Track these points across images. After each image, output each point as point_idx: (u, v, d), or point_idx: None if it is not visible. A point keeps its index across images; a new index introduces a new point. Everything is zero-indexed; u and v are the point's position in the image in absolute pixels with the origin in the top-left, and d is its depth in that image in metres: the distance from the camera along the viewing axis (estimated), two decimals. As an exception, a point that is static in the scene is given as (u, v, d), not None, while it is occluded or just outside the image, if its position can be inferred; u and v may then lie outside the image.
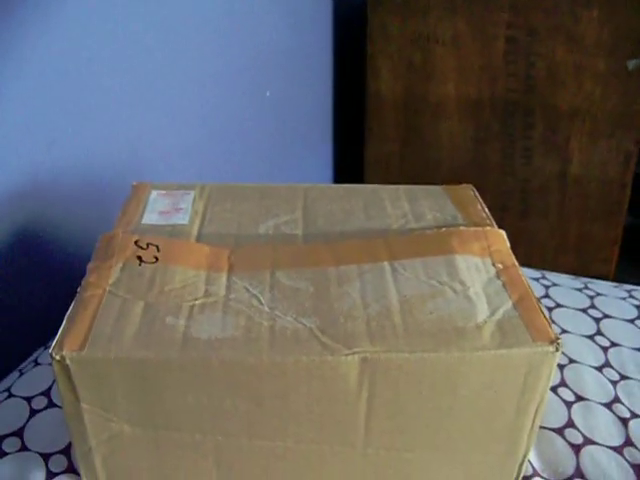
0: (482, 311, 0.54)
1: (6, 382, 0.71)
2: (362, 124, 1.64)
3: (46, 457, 0.60)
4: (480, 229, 0.63)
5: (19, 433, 0.62)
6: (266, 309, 0.54)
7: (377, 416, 0.53)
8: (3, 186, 0.81)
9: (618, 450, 0.63)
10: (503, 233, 0.63)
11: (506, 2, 1.40)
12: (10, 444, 0.61)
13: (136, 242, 0.61)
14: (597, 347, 0.74)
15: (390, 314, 0.53)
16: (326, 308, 0.54)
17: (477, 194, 0.71)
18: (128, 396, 0.52)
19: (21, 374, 0.71)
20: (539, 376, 0.52)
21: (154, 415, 0.53)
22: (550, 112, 1.46)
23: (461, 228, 0.64)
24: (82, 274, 0.58)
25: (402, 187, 0.73)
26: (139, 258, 0.60)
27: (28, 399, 0.66)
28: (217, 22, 1.16)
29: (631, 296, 0.84)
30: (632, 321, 0.79)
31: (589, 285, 0.86)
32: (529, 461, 0.61)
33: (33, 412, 0.65)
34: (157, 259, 0.59)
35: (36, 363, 0.72)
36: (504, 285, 0.57)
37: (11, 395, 0.67)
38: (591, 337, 0.76)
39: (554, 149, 1.49)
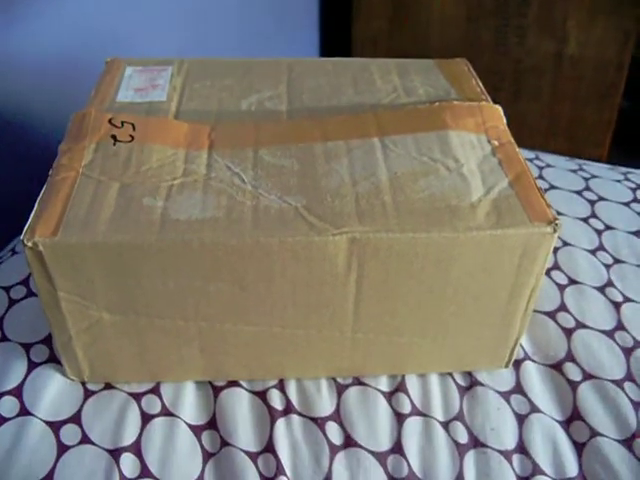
0: (477, 189, 0.51)
1: (-17, 271, 0.68)
2: (349, 1, 1.58)
3: (27, 347, 0.59)
4: (475, 104, 0.60)
5: (-2, 323, 0.61)
6: (249, 188, 0.51)
7: (366, 299, 0.51)
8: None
9: (609, 334, 0.62)
10: (499, 108, 0.60)
11: None
12: (-11, 334, 0.60)
13: (110, 120, 0.58)
14: (591, 230, 0.72)
15: (380, 192, 0.51)
16: (312, 186, 0.51)
17: (471, 68, 0.67)
18: (106, 283, 0.50)
19: (-1, 263, 0.69)
20: (535, 258, 0.50)
21: (134, 301, 0.51)
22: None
23: (454, 103, 0.60)
24: (54, 156, 0.55)
25: (392, 61, 0.69)
26: (113, 137, 0.56)
27: (6, 289, 0.64)
28: None
29: (627, 179, 0.82)
30: (627, 204, 0.77)
31: (584, 167, 0.83)
32: (520, 345, 0.60)
33: (12, 302, 0.63)
34: (133, 138, 0.56)
35: (13, 252, 0.70)
36: (500, 163, 0.54)
37: (-11, 284, 0.65)
38: (585, 220, 0.74)
39: (550, 28, 1.43)
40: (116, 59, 0.69)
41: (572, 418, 0.57)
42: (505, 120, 0.59)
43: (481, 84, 0.64)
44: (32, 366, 0.58)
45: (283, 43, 1.53)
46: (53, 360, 0.58)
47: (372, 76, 0.66)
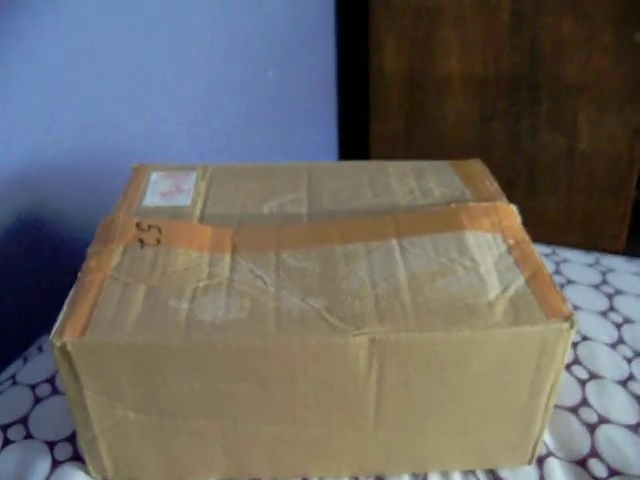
0: (494, 288, 0.52)
1: (10, 369, 0.70)
2: (366, 102, 1.62)
3: (51, 445, 0.59)
4: (490, 204, 0.62)
5: (24, 421, 0.62)
6: (271, 290, 0.53)
7: (387, 398, 0.52)
8: (3, 171, 0.80)
9: (634, 429, 0.62)
10: (514, 208, 0.62)
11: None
12: (15, 432, 0.61)
13: (137, 224, 0.60)
14: (610, 324, 0.73)
15: (399, 293, 0.52)
16: (333, 288, 0.53)
17: (486, 169, 0.69)
18: (132, 382, 0.51)
19: (25, 361, 0.70)
20: (554, 354, 0.51)
21: (159, 401, 0.52)
22: (556, 87, 1.43)
23: (470, 204, 0.62)
24: (84, 259, 0.57)
25: (408, 163, 0.71)
26: (141, 241, 0.58)
27: (32, 386, 0.65)
28: (218, 0, 1.14)
29: (644, 271, 0.83)
30: (645, 297, 0.77)
31: (601, 260, 0.84)
32: (543, 441, 0.60)
33: (37, 399, 0.64)
34: (159, 241, 0.58)
35: (40, 350, 0.71)
36: (516, 261, 0.55)
37: (15, 382, 0.66)
38: (604, 313, 0.74)
39: (561, 125, 1.46)
40: (143, 165, 0.71)
41: (599, 516, 0.56)
42: (520, 218, 0.61)
43: (496, 183, 0.66)
44: (56, 464, 0.58)
45: (303, 145, 1.57)
46: (77, 458, 0.58)
47: (389, 178, 0.68)
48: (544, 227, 1.56)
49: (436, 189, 0.66)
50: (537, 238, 0.60)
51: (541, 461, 0.59)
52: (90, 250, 0.58)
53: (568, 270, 0.81)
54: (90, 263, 0.56)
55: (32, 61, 0.80)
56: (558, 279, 0.79)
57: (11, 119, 0.79)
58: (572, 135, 1.46)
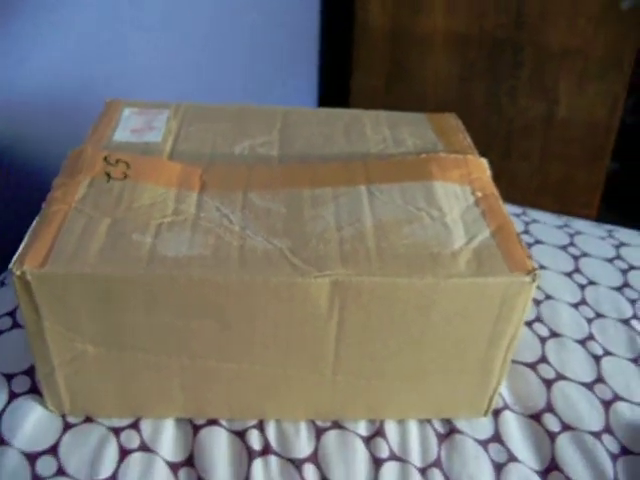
0: (459, 238, 0.52)
1: (-29, 302, 0.69)
2: (348, 56, 1.61)
3: (9, 377, 0.59)
4: (460, 156, 0.62)
5: (-18, 352, 0.61)
6: (236, 229, 0.52)
7: (347, 342, 0.52)
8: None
9: (589, 386, 0.63)
10: (484, 161, 0.62)
11: None
12: (-28, 363, 0.60)
13: (105, 158, 0.59)
14: (574, 284, 0.74)
15: (364, 238, 0.52)
16: (298, 230, 0.53)
17: (460, 123, 0.69)
18: (91, 315, 0.50)
19: (-14, 294, 0.69)
20: (514, 307, 0.51)
21: (118, 335, 0.52)
22: (540, 51, 1.43)
23: (441, 154, 0.62)
24: (49, 190, 0.56)
25: (383, 113, 0.71)
26: (107, 174, 0.57)
27: (-7, 319, 0.65)
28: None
29: (611, 236, 0.83)
30: (610, 260, 0.78)
31: (570, 223, 0.85)
32: (500, 395, 0.61)
33: (-2, 332, 0.63)
34: (126, 176, 0.57)
35: (2, 284, 0.70)
36: (483, 213, 0.55)
37: (-25, 315, 0.66)
38: (569, 274, 0.75)
39: (541, 90, 1.46)
40: (115, 100, 0.70)
41: (550, 468, 0.57)
42: (490, 173, 0.61)
43: (469, 138, 0.66)
44: (13, 396, 0.58)
45: (282, 93, 1.55)
46: (34, 391, 0.58)
47: (363, 127, 0.68)
48: (517, 190, 1.57)
49: (409, 139, 0.66)
50: (509, 201, 0.60)
51: (497, 413, 0.60)
52: (56, 182, 0.57)
53: (537, 230, 0.81)
54: (55, 194, 0.55)
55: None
56: (526, 238, 0.79)
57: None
58: (551, 101, 1.47)
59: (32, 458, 0.54)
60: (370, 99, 1.61)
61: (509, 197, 0.59)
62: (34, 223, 0.53)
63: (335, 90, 1.75)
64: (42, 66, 0.85)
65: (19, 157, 0.87)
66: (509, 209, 0.85)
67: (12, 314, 0.65)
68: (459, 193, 0.58)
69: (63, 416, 0.57)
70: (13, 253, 0.50)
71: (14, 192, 0.87)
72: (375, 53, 1.56)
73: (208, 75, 1.25)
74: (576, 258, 0.77)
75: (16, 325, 0.64)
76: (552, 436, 0.59)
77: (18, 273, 0.48)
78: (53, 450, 0.55)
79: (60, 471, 0.54)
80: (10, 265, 0.48)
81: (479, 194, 0.58)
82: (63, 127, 0.89)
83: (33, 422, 0.56)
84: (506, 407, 0.61)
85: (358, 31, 1.56)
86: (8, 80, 0.81)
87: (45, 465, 0.54)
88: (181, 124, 0.67)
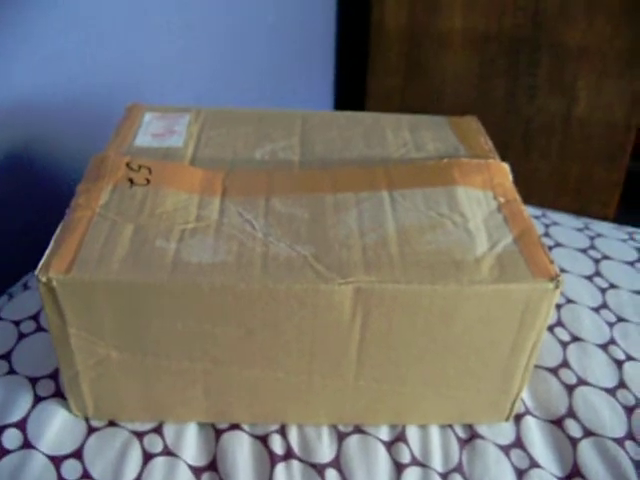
0: (481, 244, 0.52)
1: (-5, 305, 0.70)
2: (365, 56, 1.61)
3: (34, 381, 0.60)
4: (483, 161, 0.62)
5: (7, 356, 0.62)
6: (259, 235, 0.53)
7: (370, 348, 0.52)
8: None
9: (611, 392, 0.63)
10: (506, 166, 0.62)
11: None
12: (-3, 366, 0.61)
13: (128, 164, 0.60)
14: (595, 288, 0.73)
15: (387, 244, 0.52)
16: (321, 236, 0.53)
17: (481, 126, 0.69)
18: (116, 321, 0.51)
19: (10, 297, 0.70)
20: (537, 313, 0.51)
21: (142, 341, 0.52)
22: (558, 50, 1.42)
23: (463, 159, 0.62)
24: (72, 196, 0.56)
25: (404, 116, 0.71)
26: (130, 180, 0.58)
27: (16, 322, 0.65)
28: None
29: (632, 238, 0.83)
30: (632, 263, 0.78)
31: (590, 225, 0.84)
32: (522, 400, 0.61)
33: (21, 336, 0.64)
34: (149, 181, 0.58)
35: (25, 287, 0.71)
36: (505, 219, 0.55)
37: (0, 318, 0.66)
38: (590, 278, 0.75)
39: (560, 88, 1.45)
40: (136, 105, 0.71)
41: (572, 475, 0.57)
42: (512, 177, 0.61)
43: (490, 142, 0.66)
44: (37, 400, 0.58)
45: (298, 94, 1.55)
46: (58, 395, 0.59)
47: (384, 130, 0.68)
48: (536, 190, 1.57)
49: (430, 143, 0.66)
50: (528, 200, 0.60)
51: (518, 419, 0.60)
52: (79, 187, 0.57)
53: (557, 233, 0.81)
54: (79, 200, 0.56)
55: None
56: (546, 241, 0.79)
57: (9, 56, 0.78)
58: (570, 99, 1.46)
59: (57, 461, 0.55)
60: (387, 99, 1.61)
61: (527, 196, 0.59)
62: (58, 229, 0.53)
63: (352, 91, 1.74)
64: (63, 70, 0.86)
65: (42, 163, 0.87)
66: (529, 211, 0.84)
67: (36, 317, 0.65)
68: (482, 198, 0.58)
69: (87, 420, 0.58)
70: (35, 257, 0.50)
71: (38, 197, 0.88)
72: (391, 53, 1.56)
73: (225, 78, 1.25)
74: (597, 261, 0.77)
75: (40, 329, 0.64)
76: (574, 442, 0.59)
77: (44, 280, 0.48)
78: (78, 454, 0.56)
79: (85, 475, 0.54)
80: (36, 272, 0.49)
81: (502, 199, 0.58)
82: (85, 132, 0.89)
83: (58, 426, 0.57)
84: (528, 412, 0.61)
85: (374, 31, 1.56)
86: (29, 84, 0.82)
87: (70, 469, 0.55)
88: (202, 128, 0.67)
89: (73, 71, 0.88)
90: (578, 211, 1.51)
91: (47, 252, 0.50)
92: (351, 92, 1.76)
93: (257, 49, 1.33)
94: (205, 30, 1.15)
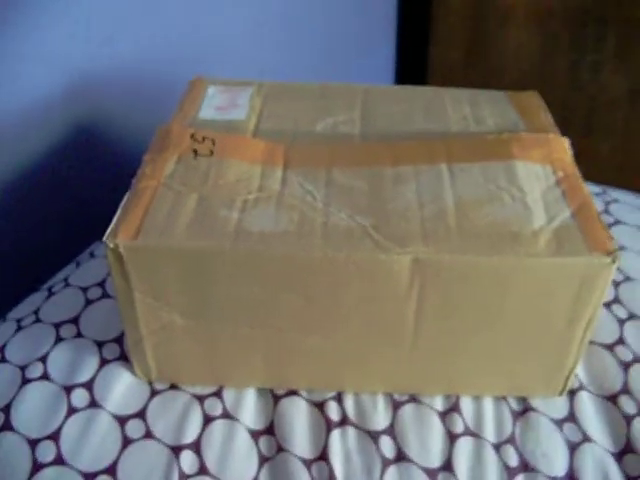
0: (539, 218, 0.53)
1: (64, 272, 0.72)
2: (427, 28, 1.59)
3: (100, 344, 0.62)
4: (542, 135, 0.61)
5: (75, 320, 0.64)
6: (320, 205, 0.54)
7: (426, 317, 0.53)
8: (63, 79, 0.81)
9: (668, 370, 0.62)
10: (566, 141, 0.61)
11: None
12: (66, 330, 0.63)
13: (192, 135, 0.61)
14: (656, 266, 0.72)
15: (445, 216, 0.53)
16: (380, 207, 0.54)
17: (541, 101, 0.69)
18: (180, 287, 0.53)
19: (78, 265, 0.72)
20: (593, 288, 0.51)
21: (205, 307, 0.54)
22: (624, 25, 1.39)
23: (522, 134, 0.62)
24: (139, 166, 0.58)
25: (465, 91, 0.71)
26: (194, 151, 0.59)
27: (84, 289, 0.68)
28: None
29: (695, 217, 0.81)
30: (694, 242, 0.76)
31: (652, 203, 0.83)
32: (576, 375, 0.61)
33: (88, 302, 0.66)
34: (212, 152, 0.59)
35: (92, 255, 0.73)
36: (563, 193, 0.55)
37: (68, 285, 0.69)
38: (650, 255, 0.74)
39: (625, 65, 1.42)
40: (200, 78, 0.72)
41: (625, 451, 0.57)
42: (571, 152, 0.61)
43: (550, 117, 0.66)
44: (103, 362, 0.61)
45: (360, 68, 1.55)
46: (123, 358, 0.61)
47: (444, 105, 0.68)
48: (599, 169, 1.54)
49: (489, 118, 0.66)
50: (591, 179, 0.60)
51: (573, 393, 0.60)
52: (145, 158, 0.59)
53: (617, 210, 0.80)
54: (144, 170, 0.58)
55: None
56: (606, 218, 0.78)
57: (68, 32, 0.80)
58: (636, 77, 1.42)
59: (122, 421, 0.57)
60: (449, 73, 1.59)
61: (590, 175, 0.59)
62: (125, 198, 0.55)
63: (413, 65, 1.73)
64: (128, 46, 0.88)
65: (109, 134, 0.90)
66: (590, 188, 0.83)
67: (102, 284, 0.68)
68: (540, 173, 0.58)
69: (150, 383, 0.60)
70: (103, 226, 0.52)
71: (106, 170, 0.91)
72: (454, 27, 1.54)
73: (288, 52, 1.26)
74: (658, 239, 0.76)
75: (106, 295, 0.67)
76: (628, 419, 0.59)
77: (111, 246, 0.50)
78: (141, 414, 0.58)
79: (148, 434, 0.57)
80: (104, 238, 0.51)
81: (560, 174, 0.57)
82: (150, 105, 0.91)
83: (123, 387, 0.59)
84: (582, 387, 0.61)
85: (437, 4, 1.54)
86: (95, 60, 0.84)
87: (134, 428, 0.57)
88: (264, 102, 0.68)
89: (135, 47, 0.90)
90: (642, 190, 1.48)
91: (114, 220, 0.52)
92: (413, 66, 1.75)
93: (319, 23, 1.33)
94: (268, 5, 1.16)
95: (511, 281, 0.51)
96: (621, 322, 0.66)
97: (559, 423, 0.59)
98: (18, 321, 0.66)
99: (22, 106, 0.79)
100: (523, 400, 0.60)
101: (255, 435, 0.57)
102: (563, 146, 0.61)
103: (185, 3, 0.96)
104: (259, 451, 0.57)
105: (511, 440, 0.57)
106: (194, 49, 1.00)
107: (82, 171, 0.88)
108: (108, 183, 0.88)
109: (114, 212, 0.53)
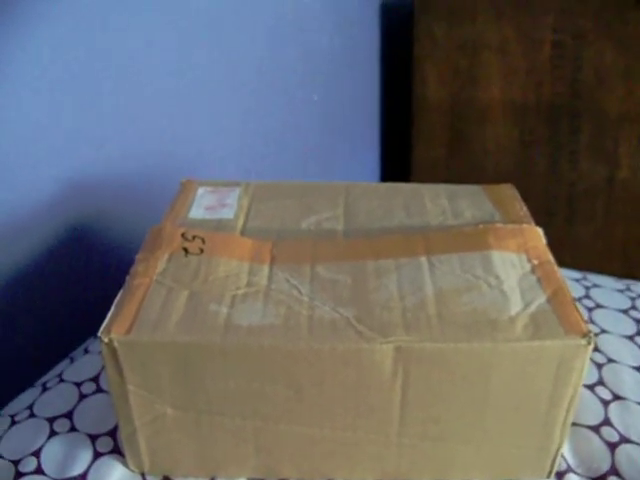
0: (516, 304, 0.55)
1: (58, 368, 0.74)
2: (409, 129, 1.65)
3: (93, 438, 0.63)
4: (517, 226, 0.64)
5: (69, 415, 0.65)
6: (305, 299, 0.56)
7: (411, 405, 0.54)
8: (59, 183, 0.84)
9: (655, 449, 0.63)
10: (539, 230, 0.64)
11: (552, 6, 1.40)
12: (60, 425, 0.64)
13: (183, 234, 0.64)
14: (637, 347, 0.74)
15: (425, 306, 0.55)
16: (363, 299, 0.56)
17: (516, 193, 0.72)
18: (172, 379, 0.54)
19: (72, 361, 0.74)
20: (571, 369, 0.53)
21: (196, 399, 0.55)
22: (598, 116, 1.44)
23: (498, 225, 0.65)
24: (132, 265, 0.61)
25: (442, 186, 0.74)
26: (185, 250, 0.62)
27: (78, 384, 0.69)
28: (266, 25, 1.19)
29: (674, 299, 0.84)
30: (674, 324, 0.78)
31: (631, 287, 0.86)
32: (564, 457, 0.62)
33: (82, 396, 0.67)
34: (202, 251, 0.62)
35: (86, 351, 0.75)
36: (539, 280, 0.58)
37: (62, 380, 0.70)
38: (631, 337, 0.75)
39: (601, 154, 1.47)
40: (190, 180, 0.76)
41: (616, 533, 0.58)
42: (545, 240, 0.63)
43: (525, 207, 0.69)
44: (97, 455, 0.62)
45: (346, 167, 1.60)
46: (116, 451, 0.62)
47: (423, 199, 0.71)
48: (583, 255, 1.57)
49: (467, 210, 0.69)
50: (576, 266, 0.62)
51: (561, 476, 0.61)
52: (138, 256, 0.62)
53: (597, 295, 0.83)
54: (138, 268, 0.60)
55: (83, 88, 0.84)
56: (587, 303, 0.81)
57: (64, 137, 0.83)
58: (612, 164, 1.47)
59: (116, 516, 0.58)
60: (432, 170, 1.64)
61: (575, 262, 0.61)
62: (119, 295, 0.57)
63: (398, 163, 1.78)
64: (120, 152, 0.91)
65: (103, 234, 0.92)
66: (570, 274, 0.86)
67: (96, 379, 0.69)
68: (516, 261, 0.60)
69: (143, 475, 0.61)
70: (97, 323, 0.54)
71: (100, 269, 0.93)
72: (434, 126, 1.60)
73: (274, 152, 1.30)
74: (638, 321, 0.78)
75: (99, 390, 0.68)
76: (617, 499, 0.59)
77: (106, 340, 0.52)
78: (135, 508, 0.58)
79: (142, 529, 0.57)
80: (99, 332, 0.53)
81: (535, 261, 0.60)
82: (144, 205, 0.94)
83: (116, 480, 0.60)
84: (569, 470, 0.62)
85: (417, 105, 1.60)
86: (90, 164, 0.87)
87: (128, 522, 0.57)
88: (251, 201, 0.71)
89: (127, 154, 0.93)
90: (627, 274, 1.50)
91: (109, 315, 0.55)
92: (397, 164, 1.80)
93: (304, 127, 1.38)
94: (253, 109, 1.20)
95: (491, 366, 0.52)
96: (605, 403, 0.67)
97: (548, 506, 0.59)
98: (12, 416, 0.67)
99: (12, 211, 0.81)
100: (511, 484, 0.61)
101: (248, 527, 0.58)
102: (537, 235, 0.64)
103: (172, 113, 1.00)
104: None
105: (501, 525, 0.58)
106: (182, 152, 1.04)
107: (77, 270, 0.90)
108: (101, 283, 0.91)
109: (107, 310, 0.55)
